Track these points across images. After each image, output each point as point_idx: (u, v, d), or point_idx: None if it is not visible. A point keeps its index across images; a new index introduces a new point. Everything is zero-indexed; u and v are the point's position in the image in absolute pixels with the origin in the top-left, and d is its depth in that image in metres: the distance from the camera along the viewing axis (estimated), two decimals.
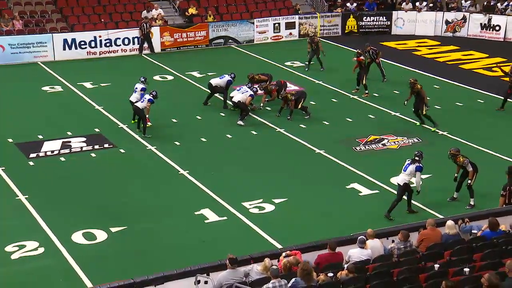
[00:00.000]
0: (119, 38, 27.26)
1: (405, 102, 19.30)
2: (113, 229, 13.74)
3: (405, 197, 14.36)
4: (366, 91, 21.91)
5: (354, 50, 28.15)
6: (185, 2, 30.18)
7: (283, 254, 10.71)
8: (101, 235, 13.53)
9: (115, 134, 18.89)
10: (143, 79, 19.73)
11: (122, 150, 17.82)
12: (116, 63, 26.22)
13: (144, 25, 27.12)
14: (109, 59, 26.72)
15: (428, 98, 19.06)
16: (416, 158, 14.23)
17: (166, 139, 18.56)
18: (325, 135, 18.86)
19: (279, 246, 12.65)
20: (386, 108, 20.94)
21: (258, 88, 20.50)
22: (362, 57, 22.11)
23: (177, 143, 18.40)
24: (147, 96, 18.65)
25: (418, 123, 19.34)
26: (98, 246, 13.20)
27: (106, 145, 18.14)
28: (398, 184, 14.35)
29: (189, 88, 23.13)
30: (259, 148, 18.15)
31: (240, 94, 19.65)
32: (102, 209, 14.71)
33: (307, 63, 25.32)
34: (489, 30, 29.67)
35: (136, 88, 19.42)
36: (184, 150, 17.97)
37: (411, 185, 14.27)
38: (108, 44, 27.09)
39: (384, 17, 30.95)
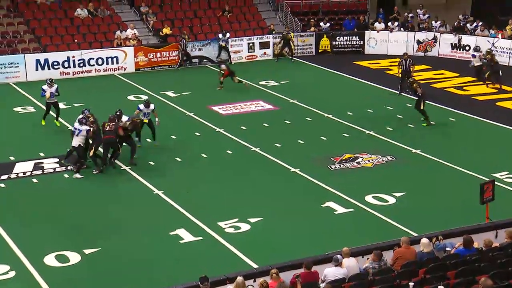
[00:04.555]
0: (93, 58, 27.14)
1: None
2: (87, 251, 13.55)
3: None
4: (243, 81, 25.08)
5: (329, 70, 28.70)
6: (159, 22, 30.21)
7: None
8: (74, 258, 13.31)
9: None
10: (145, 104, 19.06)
11: (95, 171, 17.63)
12: (89, 83, 26.06)
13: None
14: (83, 79, 26.55)
15: None
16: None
17: (140, 159, 18.43)
18: (300, 154, 18.90)
19: (255, 266, 12.59)
20: (360, 126, 21.10)
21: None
22: (224, 66, 25.20)
23: (151, 163, 18.28)
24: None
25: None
26: (71, 269, 12.98)
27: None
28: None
29: (163, 108, 23.02)
30: (234, 167, 18.12)
31: (75, 137, 17.24)
32: (75, 231, 14.50)
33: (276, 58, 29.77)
34: (460, 50, 30.22)
35: (142, 108, 19.02)
36: (159, 170, 17.85)
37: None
38: (81, 64, 26.94)
39: (357, 37, 31.34)
